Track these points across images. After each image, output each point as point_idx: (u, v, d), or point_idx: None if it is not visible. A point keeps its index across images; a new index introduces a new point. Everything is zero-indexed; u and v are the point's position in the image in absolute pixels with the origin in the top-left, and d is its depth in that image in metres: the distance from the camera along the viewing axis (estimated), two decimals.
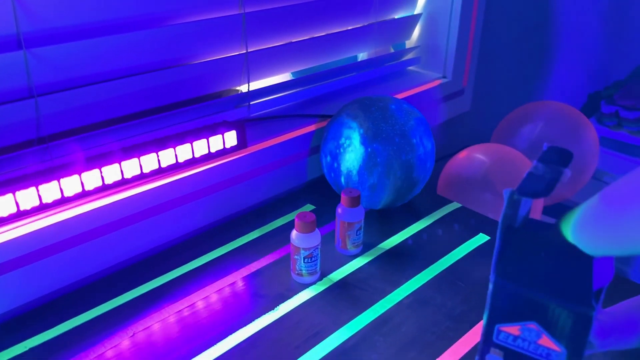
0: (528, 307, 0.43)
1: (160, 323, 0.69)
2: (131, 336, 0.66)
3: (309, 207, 0.93)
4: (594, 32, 1.52)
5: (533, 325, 0.44)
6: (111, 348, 0.65)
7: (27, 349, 0.64)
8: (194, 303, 0.72)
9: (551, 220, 0.47)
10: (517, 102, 1.27)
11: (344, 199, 0.79)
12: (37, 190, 0.68)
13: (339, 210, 0.80)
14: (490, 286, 0.45)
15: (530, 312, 0.44)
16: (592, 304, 0.41)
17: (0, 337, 0.66)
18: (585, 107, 1.86)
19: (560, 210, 1.21)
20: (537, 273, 0.43)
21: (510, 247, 0.44)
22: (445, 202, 0.95)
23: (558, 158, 0.46)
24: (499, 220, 0.45)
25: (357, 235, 0.81)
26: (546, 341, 0.44)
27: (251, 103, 0.93)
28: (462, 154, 1.07)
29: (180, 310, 0.71)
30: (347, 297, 0.74)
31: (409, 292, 0.74)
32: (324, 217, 0.89)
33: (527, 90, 1.54)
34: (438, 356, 0.64)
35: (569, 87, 1.71)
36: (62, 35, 0.70)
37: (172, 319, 0.69)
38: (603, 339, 0.51)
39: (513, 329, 0.45)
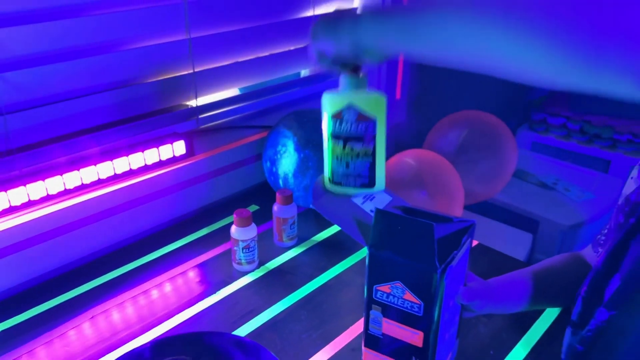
0: (393, 269, 0.56)
1: (117, 307, 0.80)
2: (91, 318, 0.77)
3: (253, 207, 1.05)
4: None
5: (399, 284, 0.57)
6: (73, 328, 0.75)
7: None
8: (148, 290, 0.83)
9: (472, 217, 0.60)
10: (450, 111, 1.41)
11: (278, 197, 0.91)
12: (7, 195, 0.79)
13: (275, 207, 0.92)
14: (367, 255, 0.57)
15: (395, 273, 0.56)
16: (436, 264, 0.54)
17: None
18: (520, 115, 2.02)
19: (484, 207, 1.35)
20: (398, 244, 0.56)
21: (380, 227, 0.56)
22: None
23: None
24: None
25: (291, 229, 0.93)
26: (409, 296, 0.57)
27: (200, 116, 1.05)
28: (393, 159, 1.20)
29: (135, 296, 0.82)
30: (280, 281, 0.86)
31: (333, 275, 0.87)
32: (266, 216, 1.01)
33: (464, 100, 1.69)
34: (350, 326, 0.76)
35: (505, 97, 1.87)
36: (28, 61, 0.81)
37: (127, 304, 0.80)
38: (479, 303, 0.64)
39: (385, 288, 0.58)
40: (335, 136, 0.61)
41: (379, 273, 0.58)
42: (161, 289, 0.84)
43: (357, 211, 0.62)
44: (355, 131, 0.60)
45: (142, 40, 0.93)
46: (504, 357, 0.72)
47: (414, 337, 0.59)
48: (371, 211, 0.63)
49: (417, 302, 0.57)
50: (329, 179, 0.64)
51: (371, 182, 0.63)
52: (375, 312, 0.60)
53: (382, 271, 0.57)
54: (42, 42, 0.81)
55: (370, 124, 0.60)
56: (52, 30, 0.81)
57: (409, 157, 1.20)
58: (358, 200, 0.63)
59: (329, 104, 0.61)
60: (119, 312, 0.79)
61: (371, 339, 0.63)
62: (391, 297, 0.58)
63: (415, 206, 0.64)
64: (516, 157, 1.34)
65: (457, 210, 1.16)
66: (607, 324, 0.57)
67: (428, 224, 0.53)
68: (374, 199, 0.64)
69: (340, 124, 0.60)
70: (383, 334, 0.61)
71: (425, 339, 0.59)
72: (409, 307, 0.57)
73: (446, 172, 1.17)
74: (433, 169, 1.15)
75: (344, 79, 0.61)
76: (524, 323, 0.77)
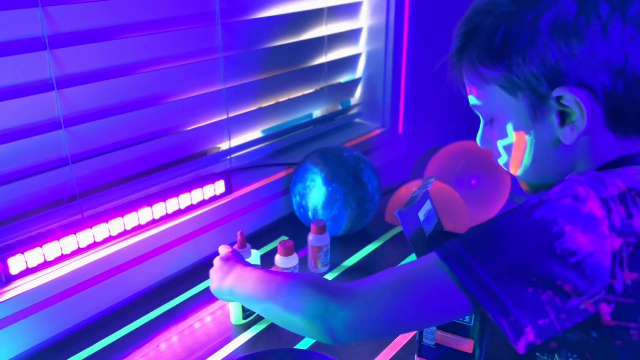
0: None
1: (180, 333, 0.88)
2: (156, 346, 0.85)
3: (282, 238, 1.15)
4: None
5: None
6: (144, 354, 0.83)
7: None
8: (203, 317, 0.92)
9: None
10: (448, 142, 1.55)
11: (313, 227, 1.01)
12: (76, 237, 0.87)
13: (310, 237, 1.02)
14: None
15: None
16: None
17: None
18: None
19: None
20: None
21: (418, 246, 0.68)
22: (391, 227, 1.20)
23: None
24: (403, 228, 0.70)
25: (325, 256, 1.03)
26: None
27: (232, 156, 1.15)
28: (403, 189, 1.32)
29: (194, 322, 0.90)
30: None
31: None
32: (296, 245, 1.11)
33: (458, 132, 1.83)
34: (394, 339, 0.86)
35: None
36: (89, 115, 0.90)
37: (187, 330, 0.89)
38: None
39: None
40: None
41: None
42: (214, 315, 0.92)
43: (417, 224, 0.73)
44: None
45: (185, 92, 1.03)
46: None
47: (464, 344, 0.70)
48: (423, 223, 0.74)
49: None
50: None
51: None
52: None
53: None
54: (104, 98, 0.90)
55: None
56: (107, 87, 0.90)
57: (415, 187, 1.32)
58: (421, 216, 0.74)
59: None
60: (185, 336, 0.87)
61: (425, 349, 0.73)
62: None
63: (452, 230, 0.76)
64: (509, 181, 1.48)
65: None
66: None
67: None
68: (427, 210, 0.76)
69: None
70: (436, 344, 0.72)
71: (474, 345, 0.69)
72: (460, 318, 0.68)
73: (450, 200, 1.30)
74: (437, 197, 1.27)
75: None
76: None
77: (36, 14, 0.79)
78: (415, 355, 0.73)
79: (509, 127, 0.60)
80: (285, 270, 0.95)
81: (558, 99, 0.54)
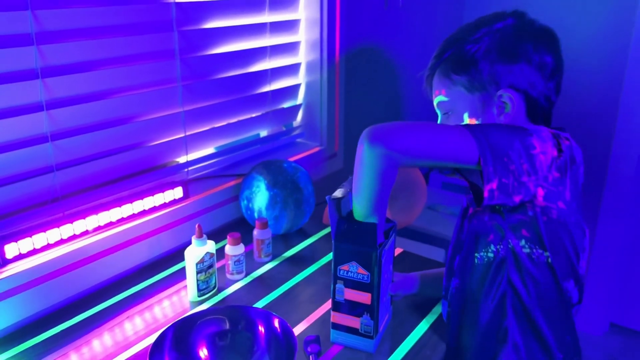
0: (350, 254, 0.89)
1: (149, 307, 1.07)
2: (125, 318, 1.05)
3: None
4: None
5: (354, 263, 0.90)
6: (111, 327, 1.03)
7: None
8: (171, 293, 1.12)
9: None
10: None
11: (257, 224, 1.23)
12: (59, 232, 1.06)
13: (255, 232, 1.24)
14: (333, 246, 0.91)
15: (351, 256, 0.90)
16: (376, 247, 0.88)
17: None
18: None
19: (406, 231, 1.73)
20: (353, 237, 0.89)
21: (341, 227, 0.90)
22: (325, 227, 1.43)
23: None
24: (329, 214, 0.92)
25: (267, 247, 1.25)
26: (361, 270, 0.90)
27: (190, 168, 1.36)
28: (335, 194, 1.56)
29: (163, 297, 1.10)
30: (263, 285, 1.17)
31: (302, 278, 1.19)
32: (243, 241, 1.32)
33: None
34: (314, 311, 1.08)
35: None
36: (73, 131, 1.10)
37: (157, 303, 1.08)
38: (399, 294, 1.00)
39: (345, 267, 0.91)
40: None
41: (341, 257, 0.91)
42: (178, 293, 1.12)
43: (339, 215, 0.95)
44: None
45: (150, 114, 1.25)
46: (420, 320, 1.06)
47: (365, 297, 0.92)
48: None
49: (365, 273, 0.91)
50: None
51: None
52: (339, 285, 0.93)
53: (343, 256, 0.91)
54: (82, 117, 1.11)
55: None
56: (86, 109, 1.12)
57: None
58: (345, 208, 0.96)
59: None
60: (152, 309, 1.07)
61: (337, 305, 0.95)
62: (349, 272, 0.92)
63: None
64: (425, 195, 1.74)
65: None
66: (456, 290, 0.93)
67: (372, 224, 0.88)
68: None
69: None
70: (345, 300, 0.94)
71: (372, 298, 0.92)
72: (360, 278, 0.91)
73: None
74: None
75: None
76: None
77: (32, 51, 1.00)
78: (331, 311, 0.95)
79: (465, 115, 0.89)
80: (234, 257, 1.16)
81: (500, 96, 0.86)
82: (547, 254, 0.83)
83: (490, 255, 0.86)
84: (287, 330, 0.85)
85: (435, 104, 0.94)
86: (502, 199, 0.79)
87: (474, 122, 0.88)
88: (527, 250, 0.83)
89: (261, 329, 0.88)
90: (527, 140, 0.79)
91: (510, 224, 0.84)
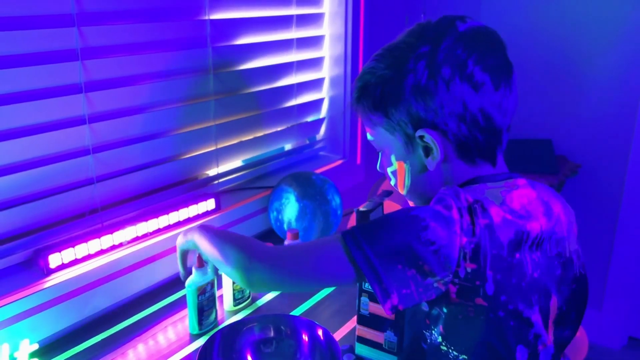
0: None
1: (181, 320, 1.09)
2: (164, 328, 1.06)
3: None
4: None
5: None
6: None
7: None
8: None
9: None
10: None
11: (288, 235, 1.25)
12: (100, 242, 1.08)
13: (286, 242, 1.26)
14: None
15: None
16: None
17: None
18: None
19: None
20: None
21: None
22: None
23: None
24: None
25: None
26: None
27: (220, 180, 1.39)
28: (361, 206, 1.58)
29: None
30: (295, 295, 1.19)
31: (333, 289, 1.21)
32: None
33: None
34: (346, 322, 1.10)
35: None
36: (114, 144, 1.13)
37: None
38: None
39: None
40: None
41: None
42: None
43: None
44: None
45: (185, 127, 1.28)
46: None
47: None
48: None
49: None
50: None
51: None
52: (364, 298, 0.94)
53: None
54: (121, 131, 1.15)
55: None
56: (125, 123, 1.15)
57: None
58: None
59: None
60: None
61: (362, 318, 0.95)
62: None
63: None
64: None
65: None
66: None
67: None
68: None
69: None
70: (369, 313, 0.95)
71: (396, 314, 0.92)
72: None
73: None
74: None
75: None
76: None
77: (77, 66, 1.04)
78: (357, 324, 0.96)
79: (393, 158, 0.79)
80: None
81: (421, 137, 0.73)
82: (463, 357, 0.72)
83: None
84: (330, 340, 0.86)
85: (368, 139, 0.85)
86: (410, 304, 0.68)
87: (402, 166, 0.78)
88: (444, 349, 0.74)
89: (305, 337, 0.89)
90: (423, 236, 0.65)
91: (433, 318, 0.74)
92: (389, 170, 0.81)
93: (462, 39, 0.71)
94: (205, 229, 0.83)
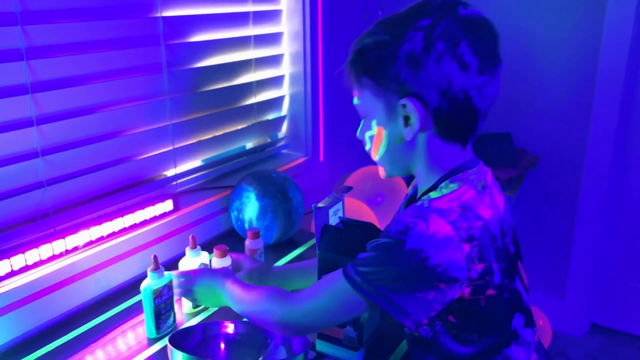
0: (334, 263, 0.88)
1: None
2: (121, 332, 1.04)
3: None
4: None
5: None
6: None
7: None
8: None
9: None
10: (355, 168, 1.83)
11: (249, 234, 1.24)
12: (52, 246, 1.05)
13: (247, 242, 1.25)
14: (317, 255, 0.91)
15: (336, 265, 0.86)
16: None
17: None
18: None
19: None
20: (336, 246, 0.89)
21: (325, 236, 0.91)
22: (314, 236, 1.44)
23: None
24: (315, 223, 0.93)
25: (259, 258, 1.26)
26: None
27: (178, 181, 1.37)
28: (320, 203, 1.58)
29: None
30: None
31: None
32: (236, 251, 1.33)
33: (369, 159, 2.13)
34: None
35: None
36: (63, 147, 1.10)
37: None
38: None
39: None
40: None
41: (326, 266, 0.91)
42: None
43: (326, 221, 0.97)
44: None
45: (139, 127, 1.25)
46: None
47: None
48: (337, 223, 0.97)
49: None
50: None
51: None
52: None
53: (328, 265, 0.91)
54: (72, 132, 1.11)
55: None
56: (76, 123, 1.12)
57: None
58: (331, 213, 0.98)
59: None
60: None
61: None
62: None
63: (349, 219, 1.00)
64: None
65: None
66: None
67: (358, 233, 0.89)
68: (337, 213, 1.00)
69: None
70: None
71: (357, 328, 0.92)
72: None
73: (359, 211, 1.57)
74: (350, 210, 1.54)
75: None
76: None
77: (22, 66, 1.00)
78: None
79: (374, 123, 0.81)
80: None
81: (403, 106, 0.76)
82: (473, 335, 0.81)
83: (416, 334, 0.85)
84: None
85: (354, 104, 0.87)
86: (427, 318, 0.79)
87: (382, 131, 0.81)
88: (453, 332, 0.81)
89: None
90: (428, 265, 0.71)
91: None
92: (367, 134, 0.84)
93: (461, 21, 0.74)
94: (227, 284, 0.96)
